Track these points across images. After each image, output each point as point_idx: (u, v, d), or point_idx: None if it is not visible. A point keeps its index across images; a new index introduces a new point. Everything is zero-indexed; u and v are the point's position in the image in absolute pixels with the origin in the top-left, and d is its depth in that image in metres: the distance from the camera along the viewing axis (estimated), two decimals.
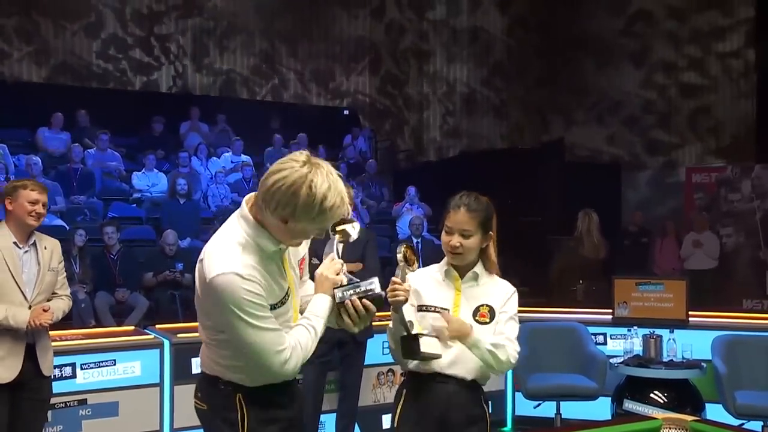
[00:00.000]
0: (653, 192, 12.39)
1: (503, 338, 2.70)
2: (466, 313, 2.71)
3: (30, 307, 3.64)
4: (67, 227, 7.94)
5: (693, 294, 5.91)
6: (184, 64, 12.92)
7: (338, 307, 2.32)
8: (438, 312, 2.73)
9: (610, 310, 5.91)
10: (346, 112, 13.46)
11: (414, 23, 14.56)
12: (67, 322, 6.75)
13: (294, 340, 2.24)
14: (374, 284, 2.31)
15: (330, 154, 11.67)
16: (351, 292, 2.30)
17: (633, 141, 13.18)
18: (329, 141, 12.12)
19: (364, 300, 2.29)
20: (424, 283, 2.80)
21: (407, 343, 2.63)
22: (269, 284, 2.20)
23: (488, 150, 13.55)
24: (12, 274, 3.62)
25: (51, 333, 4.95)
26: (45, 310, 3.63)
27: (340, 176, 2.15)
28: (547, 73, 13.77)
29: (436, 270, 2.84)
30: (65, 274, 3.95)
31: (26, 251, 3.71)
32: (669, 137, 12.92)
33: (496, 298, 2.75)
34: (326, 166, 2.12)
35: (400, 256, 2.61)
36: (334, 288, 2.32)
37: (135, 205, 9.54)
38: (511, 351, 2.70)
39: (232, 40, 13.20)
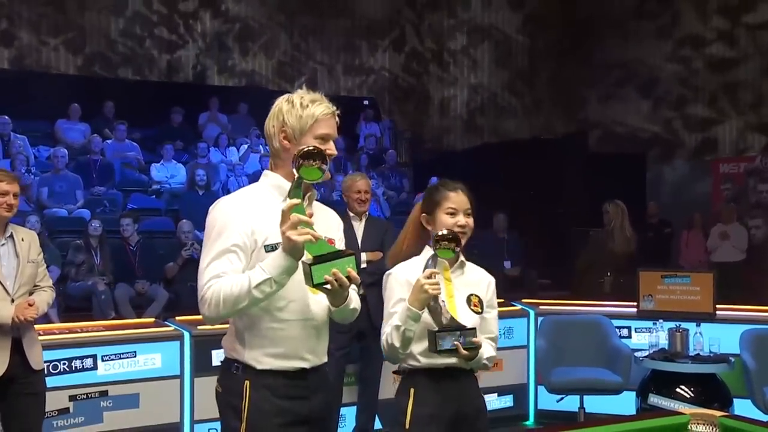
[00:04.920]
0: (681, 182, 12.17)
1: (492, 343, 2.74)
2: (461, 303, 2.62)
3: (13, 301, 3.56)
4: (88, 219, 7.95)
5: (720, 287, 5.77)
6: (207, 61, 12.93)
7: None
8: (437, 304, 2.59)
9: (635, 303, 5.81)
10: (366, 102, 13.36)
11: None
12: (87, 313, 6.81)
13: (218, 283, 2.17)
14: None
15: (349, 144, 11.60)
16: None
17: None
18: (349, 131, 12.04)
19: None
20: (415, 277, 2.57)
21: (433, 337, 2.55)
22: (275, 221, 2.14)
23: (510, 141, 13.37)
24: None
25: (72, 325, 5.01)
26: (30, 305, 3.55)
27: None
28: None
29: (421, 262, 2.66)
30: (45, 265, 3.86)
31: (3, 244, 3.62)
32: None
33: (481, 288, 2.73)
34: None
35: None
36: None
37: (154, 196, 9.55)
38: (494, 353, 2.74)
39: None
